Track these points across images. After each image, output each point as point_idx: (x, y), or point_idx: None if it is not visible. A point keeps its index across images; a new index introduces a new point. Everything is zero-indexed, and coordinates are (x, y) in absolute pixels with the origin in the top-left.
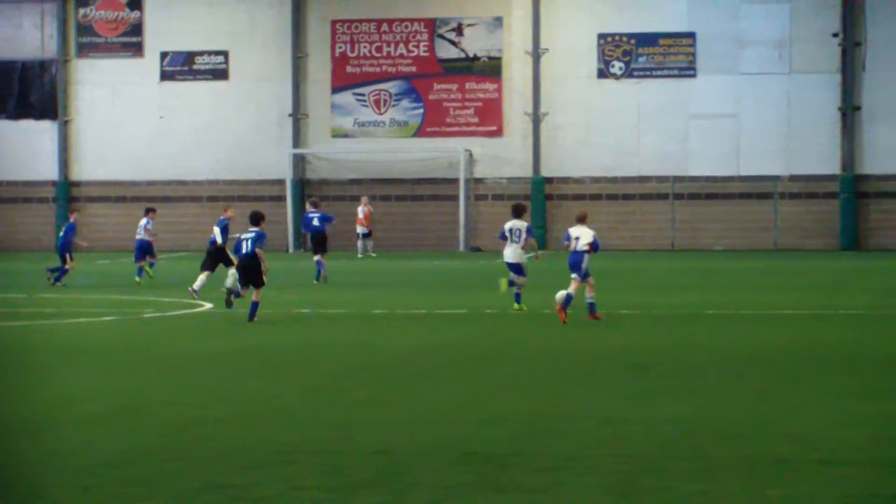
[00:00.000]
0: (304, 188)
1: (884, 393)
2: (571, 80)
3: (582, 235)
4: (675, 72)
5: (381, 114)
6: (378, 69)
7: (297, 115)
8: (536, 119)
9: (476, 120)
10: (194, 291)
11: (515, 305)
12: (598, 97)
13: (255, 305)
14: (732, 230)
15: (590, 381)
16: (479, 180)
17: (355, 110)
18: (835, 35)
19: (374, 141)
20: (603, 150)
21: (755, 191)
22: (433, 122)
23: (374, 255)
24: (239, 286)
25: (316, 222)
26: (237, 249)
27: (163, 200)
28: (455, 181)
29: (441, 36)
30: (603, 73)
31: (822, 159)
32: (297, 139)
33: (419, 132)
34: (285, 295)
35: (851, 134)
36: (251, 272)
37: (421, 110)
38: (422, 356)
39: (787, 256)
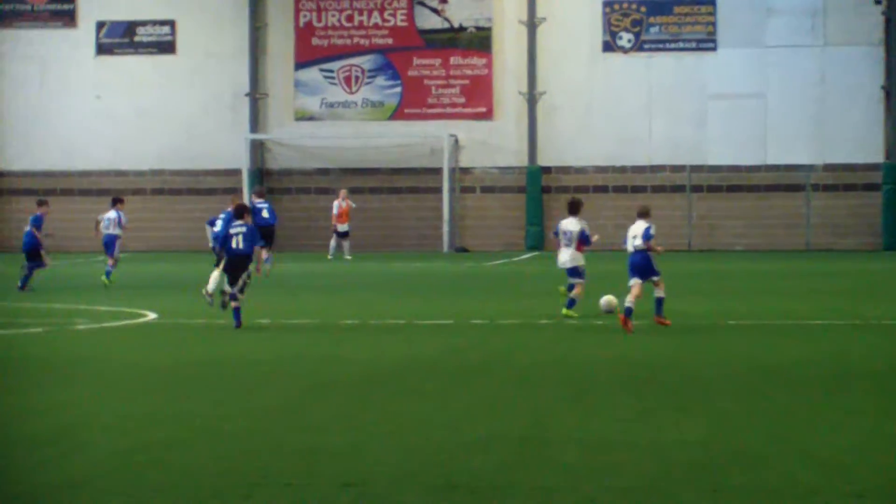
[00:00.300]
0: (264, 179)
1: None
2: (572, 54)
3: (638, 233)
4: (693, 45)
5: (352, 93)
6: (349, 41)
7: (256, 95)
8: (532, 99)
9: (462, 100)
10: (208, 294)
11: (565, 311)
12: (604, 74)
13: (237, 311)
14: (757, 227)
15: (586, 399)
16: (465, 170)
17: (322, 89)
18: (877, 2)
19: (345, 124)
20: (608, 136)
21: (784, 182)
22: (413, 103)
23: (349, 257)
24: (229, 287)
25: (266, 213)
26: (224, 244)
27: (99, 194)
28: (438, 171)
29: (422, 3)
30: (609, 47)
31: (862, 145)
32: (255, 122)
33: (396, 114)
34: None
35: (895, 116)
36: (241, 271)
37: (398, 89)
38: (398, 372)
39: (819, 258)
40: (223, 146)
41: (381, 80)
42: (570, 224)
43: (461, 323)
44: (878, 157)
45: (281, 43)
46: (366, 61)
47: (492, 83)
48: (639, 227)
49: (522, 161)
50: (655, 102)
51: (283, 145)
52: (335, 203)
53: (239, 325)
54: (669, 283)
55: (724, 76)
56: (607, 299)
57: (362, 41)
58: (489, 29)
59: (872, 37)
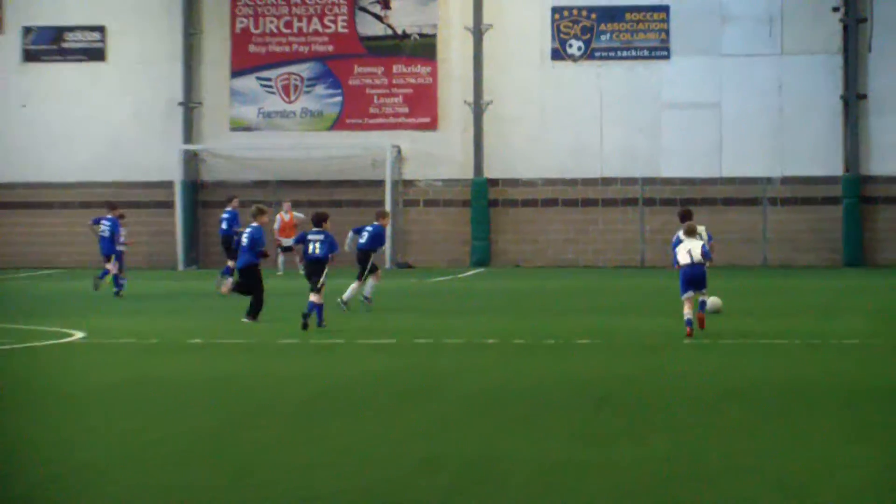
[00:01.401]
0: (198, 192)
1: (882, 432)
2: (520, 62)
3: (693, 248)
4: (645, 52)
5: (290, 102)
6: (287, 48)
7: (189, 104)
8: (478, 109)
9: (406, 110)
10: (343, 303)
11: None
12: (553, 83)
13: (321, 308)
14: (713, 242)
15: (538, 419)
16: (409, 182)
17: (260, 98)
18: (835, 9)
19: (283, 135)
20: (558, 147)
21: (740, 195)
22: (354, 113)
23: (280, 272)
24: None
25: (224, 225)
26: (304, 251)
27: (23, 207)
28: (380, 184)
29: (363, 9)
30: (558, 55)
31: (821, 158)
32: (189, 133)
33: (337, 124)
34: (175, 321)
35: (855, 127)
36: (318, 276)
37: (339, 98)
38: (340, 394)
39: (778, 274)
40: (155, 157)
41: (320, 89)
42: (692, 244)
43: (404, 342)
44: (837, 169)
45: (216, 50)
46: (305, 69)
47: (436, 92)
48: (693, 244)
49: (468, 173)
50: (607, 112)
51: (218, 156)
52: (277, 216)
53: (321, 323)
54: (623, 302)
55: (678, 85)
56: (713, 300)
57: (301, 48)
58: (434, 36)
59: (830, 45)
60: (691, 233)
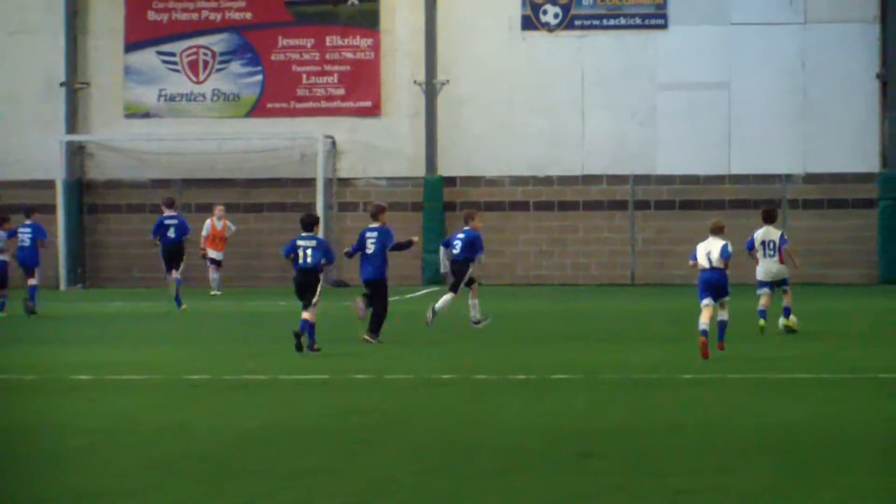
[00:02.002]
0: (84, 193)
1: None
2: (483, 32)
3: (713, 249)
4: (637, 20)
5: (199, 82)
6: (195, 16)
7: (74, 85)
8: (431, 91)
9: (342, 92)
10: (434, 313)
11: (785, 320)
12: (524, 58)
13: (312, 328)
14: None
15: (507, 477)
16: (345, 181)
17: (161, 77)
18: None
19: (190, 123)
20: (530, 138)
21: (754, 197)
22: (278, 96)
23: (217, 292)
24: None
25: (172, 233)
26: (293, 261)
27: None
28: (310, 182)
29: None
30: (530, 23)
31: (854, 151)
32: (74, 120)
33: (256, 110)
34: (58, 351)
35: (895, 113)
36: (311, 288)
37: (260, 77)
38: (260, 445)
39: (800, 293)
40: (31, 150)
41: (236, 66)
42: (772, 233)
43: (340, 379)
44: (873, 164)
45: (107, 18)
46: (217, 42)
47: (379, 70)
48: (714, 243)
49: (418, 170)
50: (590, 95)
51: (110, 149)
52: (207, 222)
53: (312, 347)
54: (610, 329)
55: (678, 61)
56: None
57: (213, 16)
58: (377, 1)
59: (866, 12)
60: (717, 231)
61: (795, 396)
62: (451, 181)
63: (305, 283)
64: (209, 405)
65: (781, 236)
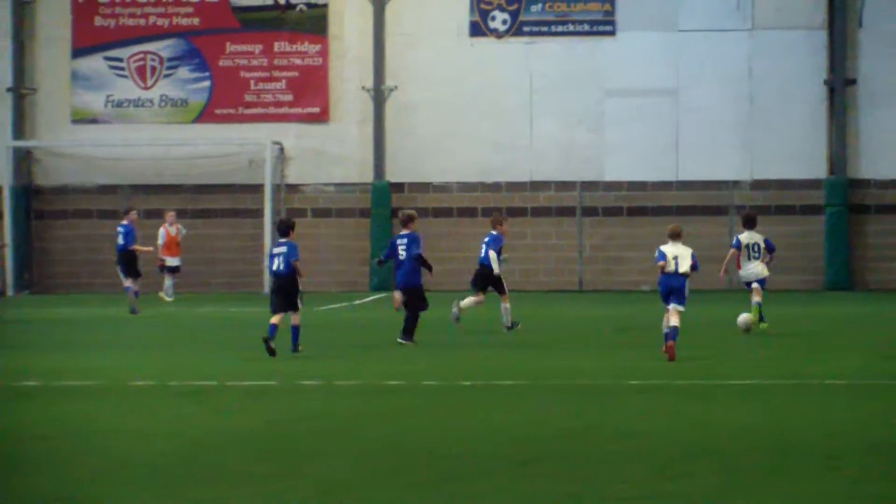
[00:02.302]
0: (31, 199)
1: (880, 498)
2: (432, 39)
3: (680, 255)
4: (586, 27)
5: (147, 88)
6: (142, 22)
7: (20, 90)
8: (379, 97)
9: (290, 98)
10: (458, 310)
11: (762, 324)
12: (472, 64)
13: (296, 330)
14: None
15: (454, 483)
16: (293, 187)
17: (108, 83)
18: None
19: (138, 128)
20: (478, 144)
21: (702, 203)
22: (226, 102)
23: (170, 299)
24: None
25: (120, 240)
26: (270, 268)
27: None
28: (258, 188)
29: None
30: (478, 30)
31: (801, 157)
32: (21, 126)
33: (204, 115)
34: (6, 358)
35: (842, 120)
36: (290, 295)
37: (207, 83)
38: (205, 452)
39: (746, 300)
40: None
41: (184, 72)
42: (755, 237)
43: (288, 385)
44: (820, 171)
45: (54, 23)
46: (165, 47)
47: (328, 76)
48: (679, 249)
49: (366, 176)
50: (538, 101)
51: (57, 155)
52: (161, 230)
53: (296, 349)
54: (557, 336)
55: (626, 68)
56: (745, 317)
57: (160, 21)
58: (325, 6)
59: (813, 18)
60: (676, 237)
61: (741, 403)
62: (399, 187)
63: (281, 289)
64: (159, 411)
65: (767, 240)
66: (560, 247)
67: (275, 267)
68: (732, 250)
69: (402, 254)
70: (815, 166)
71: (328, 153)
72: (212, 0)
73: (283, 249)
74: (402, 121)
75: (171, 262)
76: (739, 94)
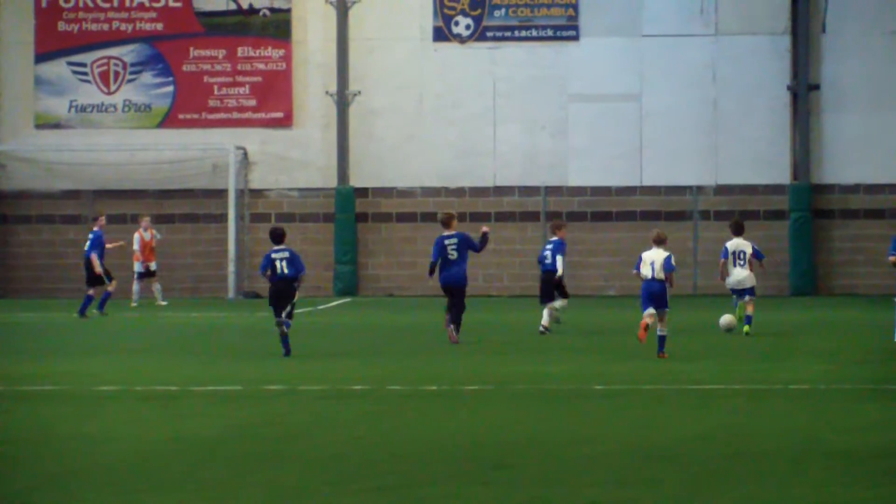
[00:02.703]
0: None
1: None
2: (395, 44)
3: (657, 260)
4: (549, 32)
5: (110, 93)
6: (106, 27)
7: None
8: (343, 102)
9: (253, 103)
10: (554, 312)
11: (746, 327)
12: (435, 69)
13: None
14: (631, 266)
15: (417, 489)
16: (257, 192)
17: (72, 88)
18: None
19: (101, 133)
20: (441, 149)
21: (665, 208)
22: (189, 107)
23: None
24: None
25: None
26: (271, 273)
27: None
28: (222, 193)
29: None
30: (442, 35)
31: (764, 163)
32: None
33: (168, 120)
34: None
35: (806, 125)
36: (288, 298)
37: (171, 88)
38: (167, 456)
39: (710, 305)
40: None
41: (147, 77)
42: (741, 244)
43: (252, 390)
44: (783, 176)
45: (16, 28)
46: (128, 52)
47: (291, 81)
48: (657, 254)
49: (330, 181)
50: (502, 106)
51: (21, 160)
52: (136, 235)
53: (288, 353)
54: (522, 341)
55: (590, 73)
56: (728, 318)
57: (124, 26)
58: (288, 11)
59: (776, 24)
60: (660, 242)
61: (706, 407)
62: (363, 192)
63: (281, 292)
64: (120, 416)
65: (754, 247)
66: (524, 252)
67: (279, 271)
68: (722, 260)
69: (451, 253)
70: (778, 172)
71: (292, 158)
72: (175, 5)
73: (286, 255)
74: (365, 126)
75: (153, 266)
76: (703, 99)
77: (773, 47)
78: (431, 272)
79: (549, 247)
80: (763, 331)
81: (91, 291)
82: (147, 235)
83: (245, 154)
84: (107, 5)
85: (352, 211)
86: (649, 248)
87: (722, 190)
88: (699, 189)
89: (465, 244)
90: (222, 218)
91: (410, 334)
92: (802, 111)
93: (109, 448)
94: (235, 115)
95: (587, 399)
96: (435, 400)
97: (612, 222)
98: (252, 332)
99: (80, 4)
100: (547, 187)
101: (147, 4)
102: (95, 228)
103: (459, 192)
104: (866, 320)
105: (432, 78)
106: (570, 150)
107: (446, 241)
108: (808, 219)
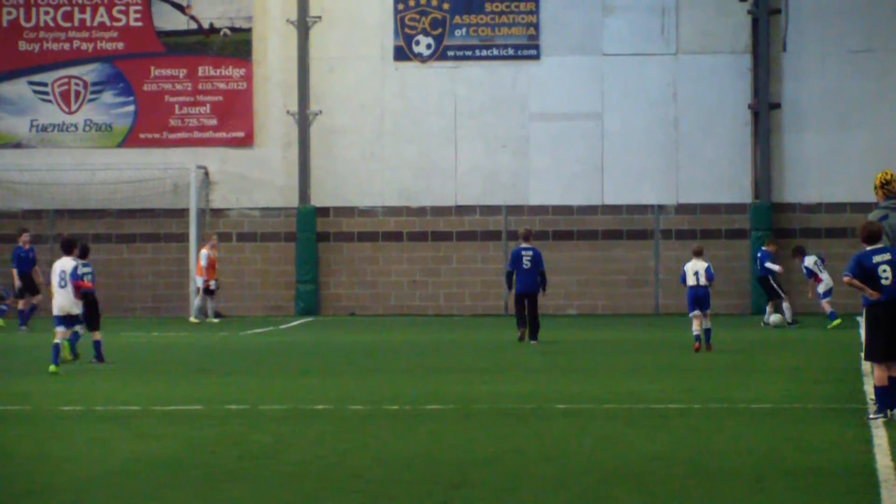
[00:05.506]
0: None
1: None
2: (356, 63)
3: (700, 269)
4: (510, 51)
5: (71, 112)
6: (67, 46)
7: None
8: (304, 121)
9: (214, 122)
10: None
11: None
12: (396, 88)
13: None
14: (593, 285)
15: None
16: (218, 212)
17: (32, 107)
18: None
19: (62, 153)
20: (403, 168)
21: (627, 227)
22: (150, 126)
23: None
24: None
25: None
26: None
27: None
28: (183, 213)
29: None
30: (403, 54)
31: (725, 181)
32: None
33: (129, 140)
34: None
35: (767, 144)
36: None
37: (132, 108)
38: (127, 476)
39: (671, 324)
40: None
41: (108, 97)
42: (698, 265)
43: (213, 410)
44: (745, 195)
45: None
46: (89, 72)
47: (252, 100)
48: (699, 264)
49: (291, 200)
50: (463, 125)
51: None
52: (203, 252)
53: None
54: (482, 361)
55: (550, 91)
56: (777, 317)
57: (85, 46)
58: (249, 31)
59: (736, 43)
60: (698, 254)
61: (668, 426)
62: (324, 211)
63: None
64: (79, 436)
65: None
66: (485, 271)
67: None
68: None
69: (526, 263)
70: (739, 190)
71: (253, 177)
72: (136, 24)
73: (88, 270)
74: (326, 145)
75: (214, 284)
76: (664, 118)
77: (733, 66)
78: (509, 281)
79: (759, 256)
80: (724, 349)
81: (21, 304)
82: (212, 254)
83: (206, 173)
84: (68, 25)
85: (313, 230)
86: (689, 261)
87: (683, 209)
88: (660, 208)
89: (538, 258)
90: (183, 237)
91: (372, 354)
92: (763, 130)
93: (71, 468)
94: (196, 134)
95: (548, 418)
96: (396, 419)
97: (574, 241)
98: (212, 351)
99: (41, 24)
100: (508, 206)
101: (108, 24)
102: (19, 244)
103: (421, 211)
104: (828, 338)
105: (393, 97)
106: (532, 169)
107: (523, 252)
108: (770, 237)
